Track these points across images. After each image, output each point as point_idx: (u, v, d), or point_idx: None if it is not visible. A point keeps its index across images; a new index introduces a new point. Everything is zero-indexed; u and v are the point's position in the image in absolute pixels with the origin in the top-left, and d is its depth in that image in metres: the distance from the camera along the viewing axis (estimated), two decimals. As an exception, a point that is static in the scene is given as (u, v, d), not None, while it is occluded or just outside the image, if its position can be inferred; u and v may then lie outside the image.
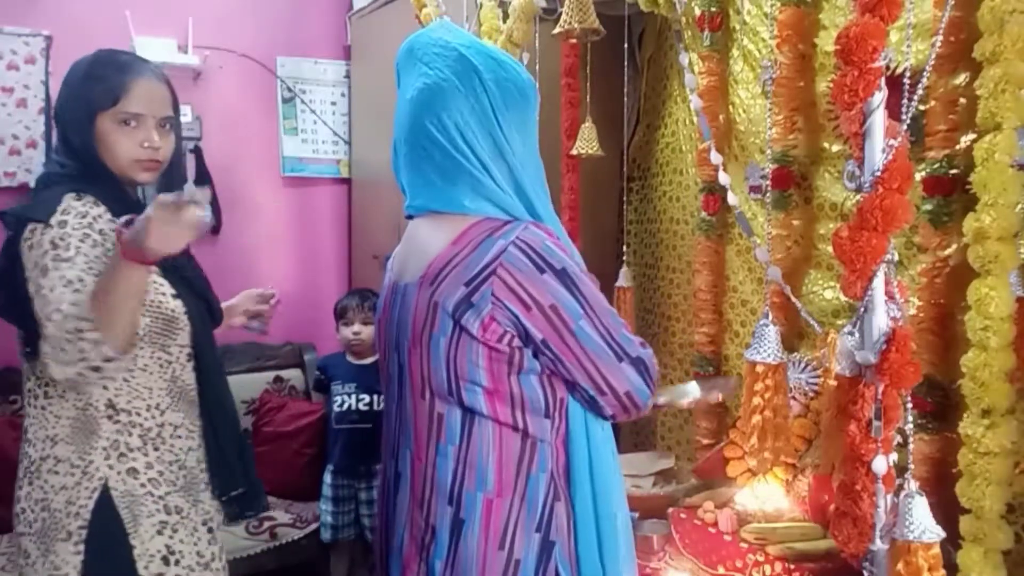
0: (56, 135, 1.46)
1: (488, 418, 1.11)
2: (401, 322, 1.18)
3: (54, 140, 1.46)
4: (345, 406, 2.62)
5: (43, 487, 1.35)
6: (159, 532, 1.37)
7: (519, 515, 1.12)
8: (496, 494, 1.11)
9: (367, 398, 2.62)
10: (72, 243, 1.29)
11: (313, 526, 2.73)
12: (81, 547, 1.32)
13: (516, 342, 1.09)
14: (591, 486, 1.16)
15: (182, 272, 1.45)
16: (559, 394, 1.14)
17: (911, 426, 1.22)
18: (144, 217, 1.18)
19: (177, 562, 1.38)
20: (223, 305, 1.62)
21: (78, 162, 1.39)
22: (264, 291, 1.76)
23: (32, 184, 2.83)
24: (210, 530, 1.47)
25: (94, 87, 1.38)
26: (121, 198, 1.41)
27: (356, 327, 2.62)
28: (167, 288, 1.40)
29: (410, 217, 1.23)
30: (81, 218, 1.32)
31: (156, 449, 1.40)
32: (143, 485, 1.37)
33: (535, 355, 1.11)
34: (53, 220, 1.30)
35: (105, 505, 1.34)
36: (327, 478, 2.65)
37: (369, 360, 2.65)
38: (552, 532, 1.13)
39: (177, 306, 1.40)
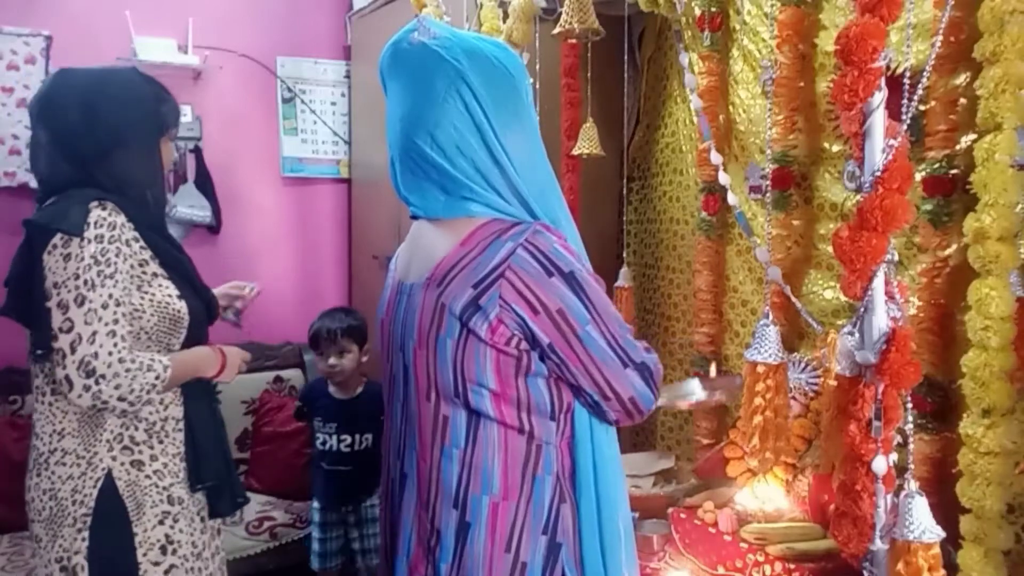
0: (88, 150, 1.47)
1: (494, 420, 1.10)
2: (407, 323, 1.17)
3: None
4: (327, 446, 2.51)
5: (51, 478, 1.43)
6: (160, 522, 1.46)
7: (525, 518, 1.11)
8: (502, 497, 1.10)
9: (348, 439, 2.49)
10: (111, 258, 1.39)
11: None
12: (86, 533, 1.41)
13: (524, 345, 1.08)
14: (595, 488, 1.15)
15: (183, 271, 1.54)
16: (565, 398, 1.13)
17: (911, 426, 1.22)
18: (230, 358, 1.61)
19: (175, 551, 1.47)
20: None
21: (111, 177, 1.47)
22: (242, 284, 1.87)
23: (31, 185, 2.86)
24: (203, 519, 1.56)
25: (161, 108, 1.56)
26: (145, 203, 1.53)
27: (332, 360, 2.45)
28: (172, 289, 1.50)
29: (415, 217, 1.22)
30: (112, 230, 1.40)
31: (160, 442, 1.49)
32: (148, 477, 1.46)
33: (541, 359, 1.10)
34: (89, 234, 1.37)
35: (108, 494, 1.42)
36: (314, 503, 2.56)
37: (354, 393, 2.52)
38: (558, 534, 1.13)
39: (182, 307, 1.50)
